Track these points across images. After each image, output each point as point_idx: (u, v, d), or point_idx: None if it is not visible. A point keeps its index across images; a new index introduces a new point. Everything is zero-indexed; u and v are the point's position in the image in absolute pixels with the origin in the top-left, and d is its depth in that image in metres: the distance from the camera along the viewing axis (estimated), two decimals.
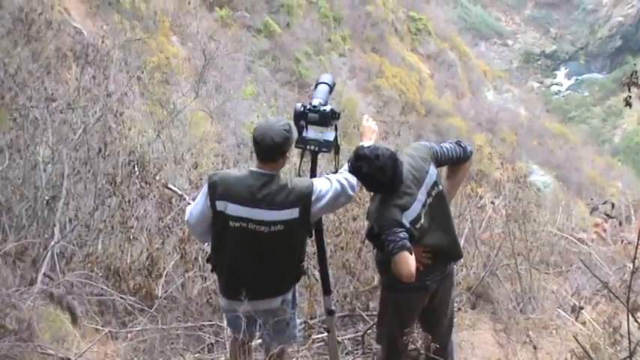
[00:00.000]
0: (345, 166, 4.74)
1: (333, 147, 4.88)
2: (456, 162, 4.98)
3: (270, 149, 4.49)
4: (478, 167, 9.00)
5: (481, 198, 8.43)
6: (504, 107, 45.49)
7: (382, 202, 4.62)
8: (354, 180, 4.64)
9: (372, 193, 4.86)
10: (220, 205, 4.56)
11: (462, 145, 4.98)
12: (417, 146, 4.90)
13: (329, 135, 4.85)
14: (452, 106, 40.38)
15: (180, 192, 7.72)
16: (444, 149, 4.91)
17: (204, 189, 4.65)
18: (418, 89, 39.17)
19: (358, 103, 30.02)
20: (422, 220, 4.64)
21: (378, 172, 4.52)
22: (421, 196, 4.66)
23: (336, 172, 4.84)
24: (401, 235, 4.45)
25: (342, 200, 4.69)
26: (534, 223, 8.12)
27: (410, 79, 39.18)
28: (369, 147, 4.64)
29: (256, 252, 4.62)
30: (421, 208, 4.65)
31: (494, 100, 47.36)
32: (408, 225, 4.52)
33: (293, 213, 4.52)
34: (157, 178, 7.71)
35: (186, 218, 4.76)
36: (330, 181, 4.60)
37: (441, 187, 4.82)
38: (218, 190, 4.56)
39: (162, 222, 7.18)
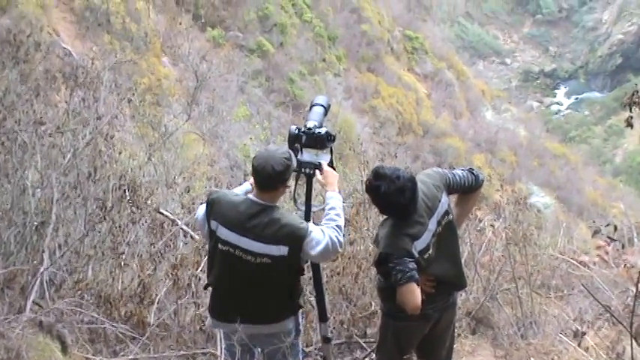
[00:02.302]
0: (337, 211, 4.72)
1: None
2: (467, 190, 5.00)
3: (270, 178, 4.53)
4: None
5: (480, 221, 8.44)
6: (503, 127, 45.66)
7: (393, 230, 4.61)
8: (341, 236, 4.65)
9: (379, 218, 4.87)
10: (213, 224, 4.65)
11: (474, 172, 5.00)
12: (429, 173, 4.92)
13: (324, 158, 4.89)
14: (450, 126, 40.51)
15: (172, 216, 7.73)
16: (457, 177, 4.92)
17: (205, 205, 4.76)
18: (415, 109, 39.33)
19: (354, 124, 30.13)
20: (430, 250, 4.65)
21: (397, 193, 4.52)
22: (432, 225, 4.68)
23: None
24: (410, 265, 4.47)
25: (330, 257, 4.74)
26: (535, 245, 8.14)
27: (407, 99, 39.36)
28: (389, 167, 4.67)
29: (242, 278, 4.64)
30: (431, 237, 4.66)
31: (493, 119, 47.57)
32: (416, 255, 4.54)
33: (281, 250, 4.52)
34: (149, 202, 7.72)
35: (194, 219, 4.90)
36: (324, 233, 4.58)
37: (451, 216, 4.83)
38: (214, 209, 4.64)
39: (154, 247, 7.18)
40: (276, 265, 4.55)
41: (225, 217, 4.59)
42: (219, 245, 4.63)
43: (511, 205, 8.00)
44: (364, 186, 4.74)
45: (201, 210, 4.78)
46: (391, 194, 4.52)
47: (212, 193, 4.76)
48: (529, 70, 67.91)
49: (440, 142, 37.70)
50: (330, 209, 4.74)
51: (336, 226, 4.64)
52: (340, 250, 4.68)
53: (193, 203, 8.19)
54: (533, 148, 44.46)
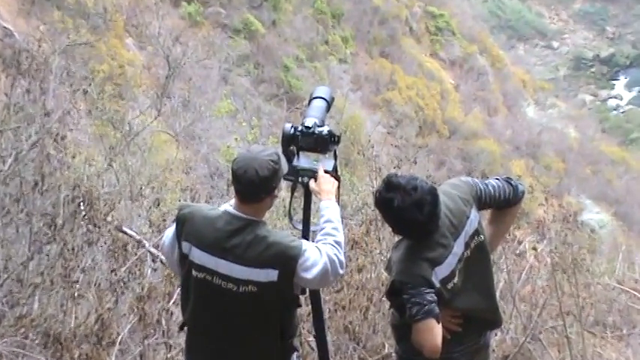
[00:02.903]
0: (334, 224, 4.72)
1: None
2: (503, 205, 4.97)
3: (252, 186, 4.47)
4: None
5: (520, 243, 8.46)
6: (548, 126, 45.69)
7: (409, 253, 4.59)
8: (342, 254, 4.60)
9: (393, 239, 4.86)
10: (185, 246, 4.61)
11: (512, 182, 4.95)
12: (455, 183, 4.89)
13: (326, 164, 4.89)
14: (482, 125, 40.57)
15: (138, 236, 7.74)
16: (491, 188, 4.88)
17: (173, 225, 4.71)
18: (439, 104, 39.40)
19: (364, 122, 30.14)
20: (455, 279, 4.63)
21: (413, 207, 4.47)
22: (457, 247, 4.64)
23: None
24: (428, 297, 4.45)
25: (329, 280, 4.65)
26: (587, 273, 8.16)
27: (429, 91, 39.43)
28: (405, 175, 4.64)
29: (223, 313, 4.61)
30: (456, 263, 4.63)
31: (536, 117, 47.61)
32: (437, 284, 4.51)
33: (269, 275, 4.47)
34: (109, 219, 7.73)
35: (160, 244, 4.82)
36: (321, 251, 4.54)
37: (482, 237, 4.80)
38: (185, 227, 4.61)
39: (116, 275, 7.18)
40: (264, 293, 4.50)
41: (200, 236, 4.56)
42: (194, 272, 4.58)
43: (558, 223, 8.01)
44: (374, 199, 4.69)
45: (170, 231, 4.75)
46: (406, 209, 4.48)
47: (182, 208, 4.72)
48: (581, 55, 67.96)
49: (470, 144, 37.75)
50: (326, 222, 4.71)
51: (335, 242, 4.61)
52: (342, 271, 4.63)
53: (164, 220, 8.20)
54: (585, 153, 44.49)
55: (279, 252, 4.47)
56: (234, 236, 4.51)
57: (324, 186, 4.84)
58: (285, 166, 4.67)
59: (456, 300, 4.66)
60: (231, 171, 4.57)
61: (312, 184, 4.85)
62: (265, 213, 4.65)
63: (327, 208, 4.75)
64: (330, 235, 4.64)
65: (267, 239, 4.49)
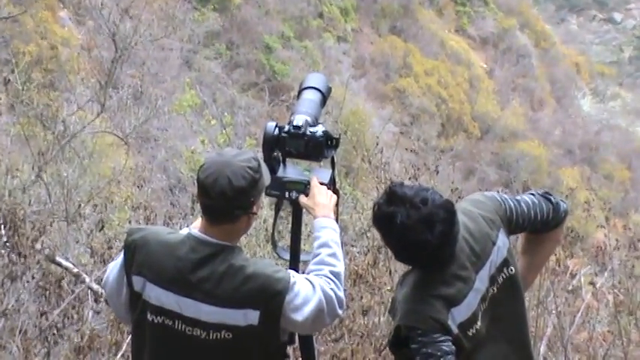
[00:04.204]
0: (332, 249, 4.70)
1: None
2: (540, 228, 4.95)
3: (224, 199, 4.41)
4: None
5: (573, 276, 8.48)
6: (610, 124, 45.78)
7: (418, 289, 4.57)
8: (341, 289, 4.56)
9: (399, 271, 4.85)
10: (137, 282, 4.56)
11: (551, 199, 4.92)
12: (478, 199, 4.88)
13: (321, 175, 4.89)
14: (524, 122, 40.66)
15: (75, 269, 7.74)
16: (524, 206, 4.86)
17: (120, 256, 4.65)
18: (468, 95, 39.48)
19: (369, 118, 30.16)
20: (478, 323, 4.61)
21: (421, 225, 4.42)
22: (480, 282, 4.63)
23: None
24: (444, 347, 4.43)
25: (325, 322, 4.61)
26: None
27: (454, 78, 39.54)
28: (411, 185, 4.59)
29: None
30: (479, 303, 4.62)
31: (594, 112, 47.74)
32: (455, 330, 4.50)
33: (248, 317, 4.43)
34: (38, 246, 7.73)
35: (103, 280, 4.74)
36: (314, 286, 4.50)
37: (513, 269, 4.79)
38: (137, 257, 4.56)
39: (47, 319, 7.19)
40: (241, 341, 4.47)
41: (157, 269, 4.50)
42: (149, 315, 4.54)
43: (622, 250, 8.03)
44: (372, 214, 4.61)
45: (115, 265, 4.68)
46: (412, 227, 4.43)
47: (133, 233, 4.64)
48: None
49: (507, 147, 37.86)
50: (321, 247, 4.67)
51: (332, 273, 4.58)
52: (341, 311, 4.59)
53: (110, 248, 8.21)
54: None
55: (260, 286, 4.41)
56: (201, 267, 4.46)
57: (320, 199, 4.81)
58: (267, 176, 4.58)
59: (480, 351, 4.65)
60: (197, 181, 4.51)
61: (302, 199, 4.82)
62: (241, 237, 4.64)
63: (324, 229, 4.72)
64: (327, 265, 4.60)
65: (245, 270, 4.44)
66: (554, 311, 7.70)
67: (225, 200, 4.41)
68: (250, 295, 4.41)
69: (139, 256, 4.54)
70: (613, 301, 7.56)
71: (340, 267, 4.61)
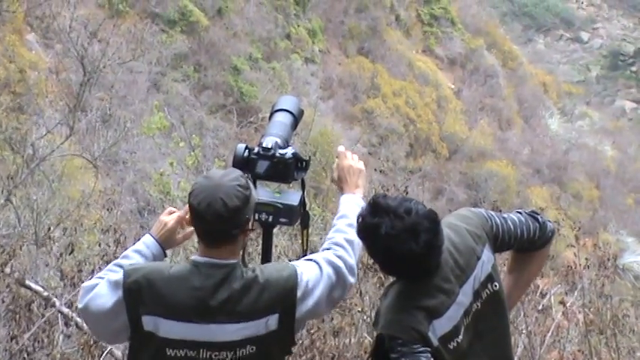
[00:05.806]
0: (350, 220, 4.76)
1: (298, 216, 4.95)
2: (527, 247, 4.99)
3: (221, 222, 4.43)
4: None
5: (544, 295, 8.51)
6: (578, 143, 45.94)
7: (400, 299, 4.60)
8: (352, 257, 4.66)
9: (379, 292, 4.85)
10: (148, 322, 4.50)
11: (538, 218, 4.97)
12: (464, 214, 4.92)
13: (291, 197, 4.91)
14: (492, 142, 40.74)
15: (45, 292, 7.72)
16: (510, 224, 4.90)
17: (114, 290, 4.53)
18: (436, 115, 39.55)
19: (338, 139, 30.14)
20: (460, 337, 4.64)
21: (405, 235, 4.45)
22: (464, 296, 4.66)
23: (304, 254, 4.87)
24: (422, 357, 4.46)
25: (338, 294, 4.66)
26: (631, 335, 8.20)
27: (422, 98, 39.61)
28: (395, 196, 4.65)
29: None
30: (462, 316, 4.65)
31: (562, 131, 47.89)
32: (435, 342, 4.53)
33: (270, 323, 4.50)
34: (7, 269, 7.71)
35: (83, 302, 4.58)
36: (319, 264, 4.59)
37: (497, 285, 4.81)
38: (144, 298, 4.48)
39: (17, 344, 7.17)
40: (264, 350, 4.53)
41: (171, 305, 4.47)
42: (169, 351, 4.50)
43: (592, 269, 8.06)
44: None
45: (108, 298, 4.53)
46: (397, 237, 4.46)
47: (130, 274, 4.53)
48: (618, 50, 68.46)
49: (476, 167, 37.92)
50: (341, 218, 4.82)
51: (345, 240, 4.70)
52: (352, 280, 4.67)
53: (79, 271, 8.18)
54: (626, 177, 44.78)
55: (275, 291, 4.50)
56: (220, 289, 4.47)
57: (349, 176, 4.97)
58: (254, 191, 4.60)
59: None
60: (189, 208, 4.53)
61: (343, 158, 5.01)
62: (239, 254, 4.63)
63: (347, 203, 4.88)
64: (341, 233, 4.74)
65: (258, 280, 4.49)
66: (524, 331, 7.72)
67: (221, 222, 4.45)
68: (269, 302, 4.48)
69: (147, 297, 4.49)
70: (583, 320, 7.58)
71: (354, 235, 4.70)
